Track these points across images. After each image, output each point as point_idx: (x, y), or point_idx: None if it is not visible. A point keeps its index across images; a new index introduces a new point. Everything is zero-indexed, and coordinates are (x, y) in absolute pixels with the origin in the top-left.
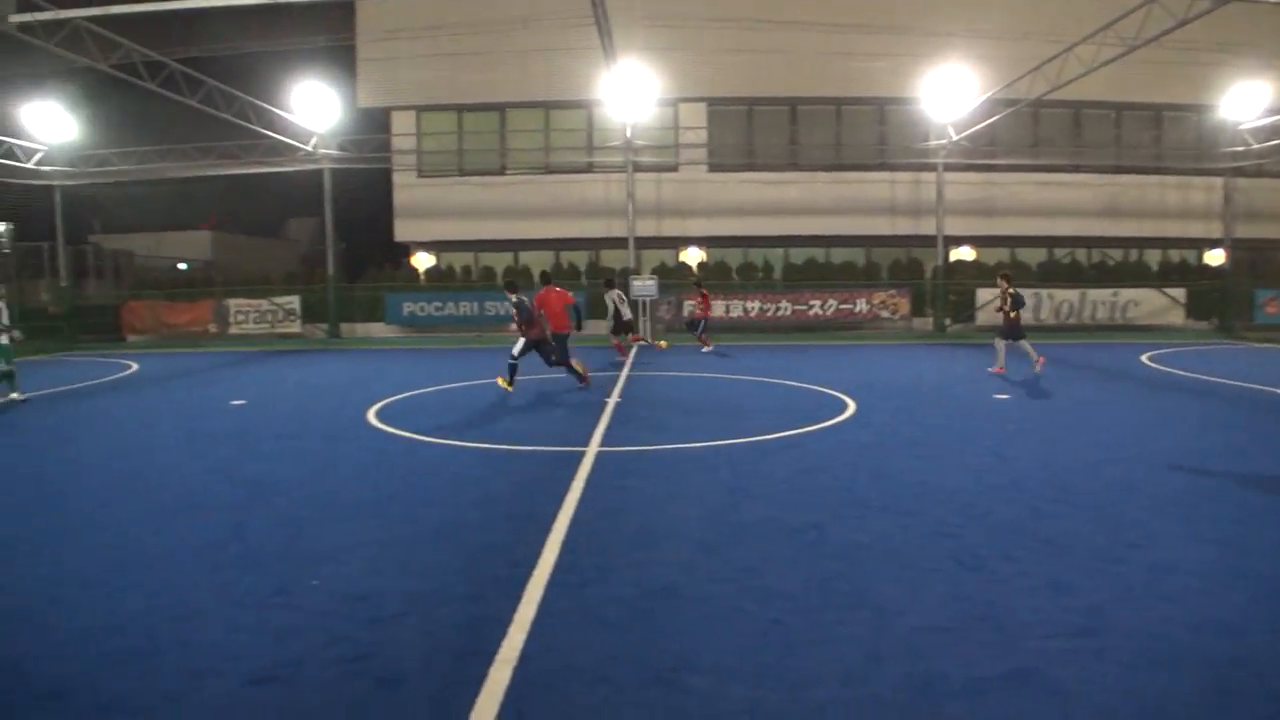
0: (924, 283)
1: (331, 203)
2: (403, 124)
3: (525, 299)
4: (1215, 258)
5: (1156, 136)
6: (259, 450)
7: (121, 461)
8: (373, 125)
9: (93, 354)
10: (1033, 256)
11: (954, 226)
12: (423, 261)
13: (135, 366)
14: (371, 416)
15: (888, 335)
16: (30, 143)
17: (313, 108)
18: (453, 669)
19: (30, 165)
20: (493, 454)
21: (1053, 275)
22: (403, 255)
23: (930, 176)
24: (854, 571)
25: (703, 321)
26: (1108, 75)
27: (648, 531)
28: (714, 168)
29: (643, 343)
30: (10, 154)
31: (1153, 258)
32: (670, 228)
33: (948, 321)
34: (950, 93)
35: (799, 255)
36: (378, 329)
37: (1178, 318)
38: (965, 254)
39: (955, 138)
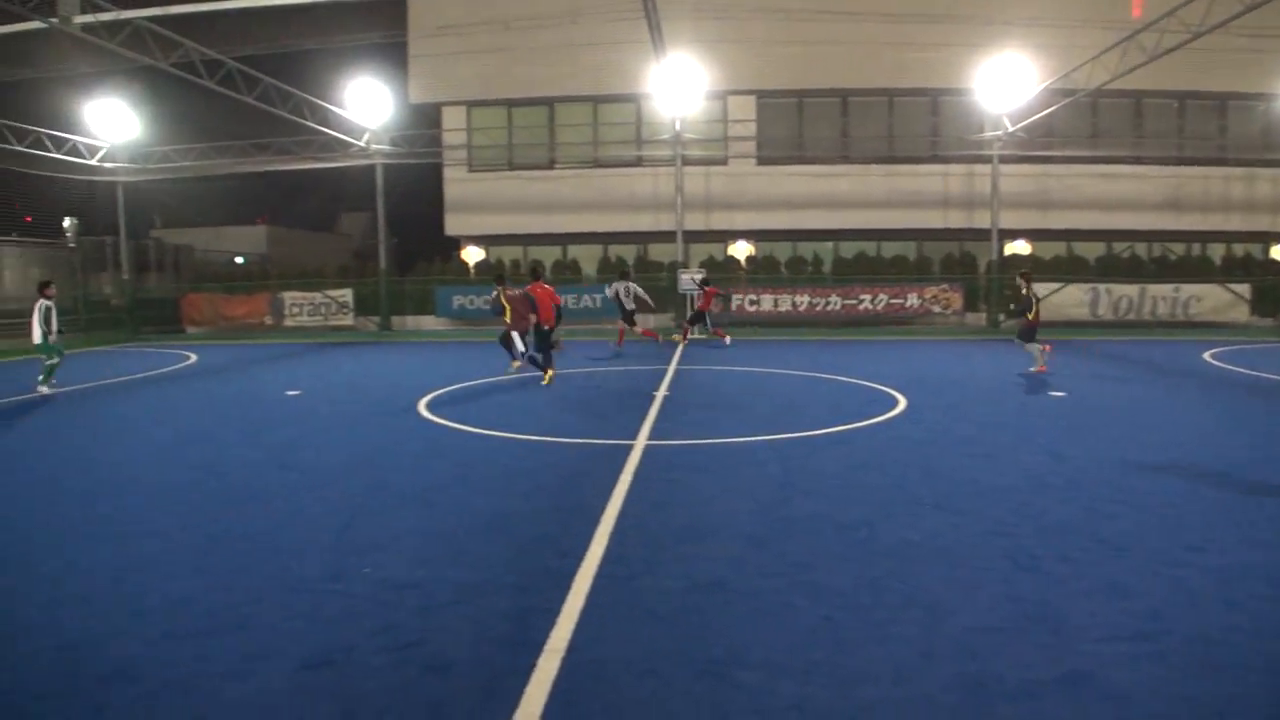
0: (977, 278)
1: (383, 197)
2: (453, 119)
3: (516, 293)
4: None
5: (1222, 127)
6: (313, 440)
7: (182, 449)
8: (424, 121)
9: (154, 345)
10: (1090, 250)
11: (1009, 220)
12: (473, 255)
13: (194, 357)
14: (422, 407)
15: (939, 331)
16: (94, 140)
17: (365, 104)
18: (501, 658)
19: (94, 162)
20: (541, 446)
21: (1111, 270)
22: (453, 249)
23: (984, 169)
24: (905, 569)
25: (707, 314)
26: (1171, 63)
27: (696, 525)
28: (763, 161)
29: (654, 338)
30: (75, 151)
31: (1216, 252)
32: (719, 221)
33: (1001, 317)
34: (1006, 83)
35: (849, 249)
36: (428, 321)
37: (1242, 314)
38: (1020, 248)
39: (1011, 129)
